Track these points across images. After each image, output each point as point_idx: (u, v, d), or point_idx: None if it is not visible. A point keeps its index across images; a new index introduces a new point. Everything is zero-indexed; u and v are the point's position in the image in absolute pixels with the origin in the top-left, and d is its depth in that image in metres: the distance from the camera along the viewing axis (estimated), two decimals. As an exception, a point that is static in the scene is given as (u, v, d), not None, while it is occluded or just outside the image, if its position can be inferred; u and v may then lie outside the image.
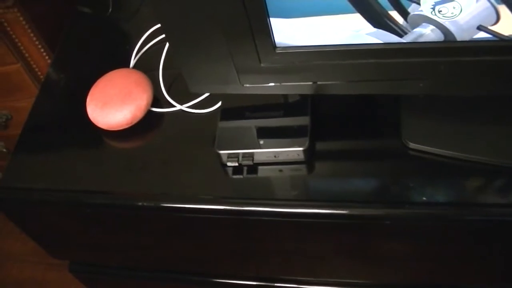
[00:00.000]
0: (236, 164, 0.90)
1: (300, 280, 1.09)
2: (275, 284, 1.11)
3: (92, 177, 0.95)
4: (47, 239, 1.10)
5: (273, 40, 0.79)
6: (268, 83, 0.85)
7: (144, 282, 1.21)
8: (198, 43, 0.81)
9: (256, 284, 1.12)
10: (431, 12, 0.72)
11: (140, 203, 0.92)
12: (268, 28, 0.77)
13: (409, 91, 0.83)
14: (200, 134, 0.96)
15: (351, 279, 1.05)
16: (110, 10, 1.17)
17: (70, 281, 1.22)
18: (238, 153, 0.89)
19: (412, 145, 0.88)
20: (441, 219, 0.85)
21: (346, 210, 0.85)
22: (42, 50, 1.33)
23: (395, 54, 0.78)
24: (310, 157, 0.89)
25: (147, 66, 1.05)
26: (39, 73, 1.37)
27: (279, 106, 0.93)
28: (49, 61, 1.35)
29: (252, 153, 0.89)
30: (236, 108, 0.95)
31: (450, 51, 0.76)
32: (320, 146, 0.90)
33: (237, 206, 0.88)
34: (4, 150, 1.58)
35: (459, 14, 0.72)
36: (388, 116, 0.92)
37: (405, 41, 0.75)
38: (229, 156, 0.90)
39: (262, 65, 0.82)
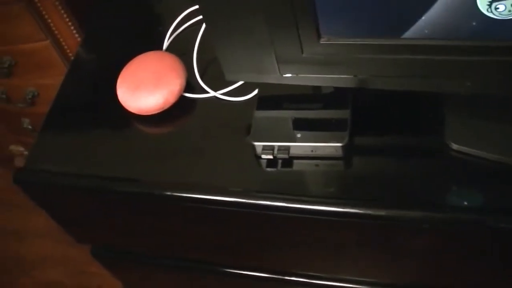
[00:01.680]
0: (271, 157, 0.86)
1: (320, 276, 1.06)
2: (293, 278, 1.09)
3: (119, 163, 0.93)
4: (71, 223, 1.08)
5: (318, 30, 0.75)
6: (309, 74, 0.81)
7: (166, 269, 1.18)
8: (237, 28, 0.78)
9: (276, 277, 1.10)
10: (487, 9, 0.68)
11: (168, 193, 0.89)
12: (314, 16, 0.73)
13: (456, 90, 0.79)
14: (234, 123, 0.93)
15: (374, 279, 1.01)
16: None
17: (90, 260, 1.19)
18: (273, 146, 0.86)
19: (455, 146, 0.84)
20: (481, 225, 0.81)
21: (383, 212, 0.81)
22: (72, 27, 1.29)
23: (445, 51, 0.74)
24: (349, 153, 0.85)
25: (181, 49, 1.01)
26: (68, 51, 1.34)
27: (318, 97, 0.90)
28: (79, 39, 1.32)
29: (288, 147, 0.86)
30: (273, 98, 0.91)
31: (502, 50, 0.72)
32: (359, 141, 0.87)
33: (268, 201, 0.85)
34: (30, 127, 1.56)
35: (518, 12, 0.68)
36: (431, 115, 0.88)
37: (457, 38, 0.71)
38: (264, 148, 0.86)
39: (304, 55, 0.78)
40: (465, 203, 0.80)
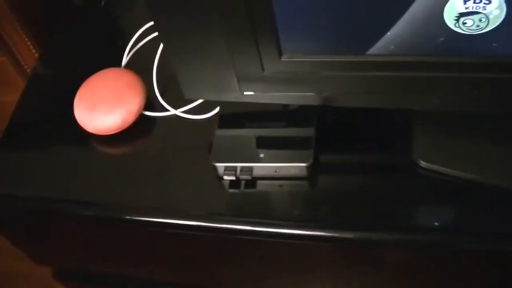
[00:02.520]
0: (234, 178, 0.83)
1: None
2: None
3: (77, 185, 0.89)
4: (27, 245, 1.03)
5: (279, 47, 0.72)
6: (271, 93, 0.78)
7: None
8: (194, 45, 0.75)
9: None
10: (455, 24, 0.65)
11: (128, 217, 0.85)
12: (275, 33, 0.70)
13: (424, 107, 0.77)
14: (195, 142, 0.89)
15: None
16: (104, 1, 1.10)
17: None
18: (236, 167, 0.83)
19: (423, 164, 0.82)
20: (452, 246, 0.78)
21: (350, 234, 0.78)
22: (29, 43, 1.25)
23: (412, 67, 0.71)
24: (314, 173, 0.82)
25: (140, 65, 0.98)
26: (25, 67, 1.29)
27: (281, 115, 0.87)
28: (36, 55, 1.27)
29: (251, 167, 0.82)
30: (235, 116, 0.88)
31: (470, 66, 0.70)
32: (325, 160, 0.84)
33: (232, 224, 0.82)
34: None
35: (485, 27, 0.65)
36: (399, 132, 0.85)
37: (424, 54, 0.68)
38: (226, 169, 0.83)
39: (265, 73, 0.75)
40: (436, 223, 0.77)
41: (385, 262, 0.83)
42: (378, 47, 0.70)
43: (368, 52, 0.70)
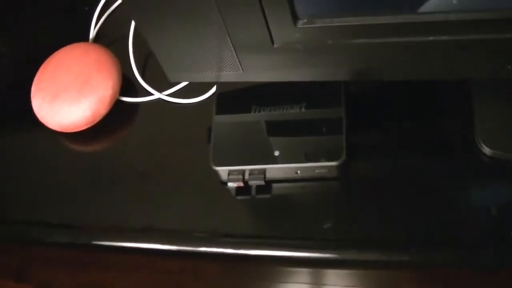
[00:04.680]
0: (241, 184, 0.64)
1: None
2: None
3: (42, 201, 0.71)
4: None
5: (294, 10, 0.53)
6: (282, 69, 0.60)
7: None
8: (177, 11, 0.56)
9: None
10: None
11: (107, 243, 0.66)
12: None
13: (493, 75, 0.57)
14: (187, 134, 0.72)
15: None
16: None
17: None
18: (243, 170, 0.63)
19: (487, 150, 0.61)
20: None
21: (405, 256, 0.59)
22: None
23: (483, 27, 0.52)
24: (347, 171, 0.63)
25: (111, 37, 0.81)
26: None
27: (300, 93, 0.67)
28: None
29: (263, 170, 0.63)
30: (238, 97, 0.69)
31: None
32: (359, 153, 0.64)
33: (243, 249, 0.63)
34: None
35: None
36: (456, 112, 0.66)
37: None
38: (231, 173, 0.63)
39: (275, 45, 0.56)
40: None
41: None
42: (434, 2, 0.51)
43: (420, 10, 0.51)
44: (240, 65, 0.60)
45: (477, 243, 0.59)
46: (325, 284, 0.77)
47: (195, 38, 0.58)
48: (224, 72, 0.62)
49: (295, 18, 0.53)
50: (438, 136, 0.65)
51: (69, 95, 0.73)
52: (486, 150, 0.63)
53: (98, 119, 0.73)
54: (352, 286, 0.75)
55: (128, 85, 0.77)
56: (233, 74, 0.62)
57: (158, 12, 0.57)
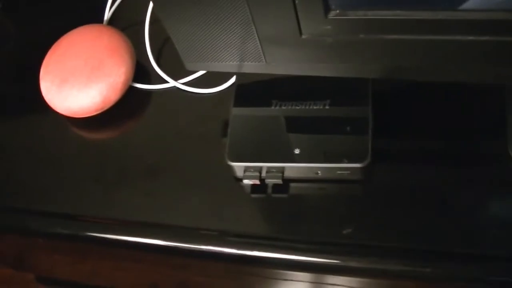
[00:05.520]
0: (257, 181, 0.60)
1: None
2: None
3: (47, 191, 0.68)
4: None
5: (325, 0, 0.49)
6: (307, 62, 0.56)
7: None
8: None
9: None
10: None
11: (113, 236, 0.62)
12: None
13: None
14: (203, 125, 0.69)
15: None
16: None
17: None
18: (260, 167, 0.59)
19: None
20: None
21: (427, 267, 0.55)
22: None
23: None
24: (370, 173, 0.59)
25: (127, 20, 0.77)
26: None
27: (325, 90, 0.63)
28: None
29: (282, 168, 0.59)
30: (258, 90, 0.66)
31: None
32: (384, 155, 0.61)
33: (256, 250, 0.59)
34: None
35: None
36: (488, 116, 0.62)
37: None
38: (247, 170, 0.60)
39: (303, 37, 0.51)
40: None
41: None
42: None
43: (461, 7, 0.47)
44: (264, 56, 0.57)
45: (506, 256, 0.55)
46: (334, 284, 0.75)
47: (217, 25, 0.55)
48: (245, 62, 0.59)
49: (326, 8, 0.50)
50: (468, 144, 0.61)
51: (78, 80, 0.70)
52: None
53: (108, 105, 0.70)
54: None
55: (141, 71, 0.74)
56: (255, 65, 0.59)
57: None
